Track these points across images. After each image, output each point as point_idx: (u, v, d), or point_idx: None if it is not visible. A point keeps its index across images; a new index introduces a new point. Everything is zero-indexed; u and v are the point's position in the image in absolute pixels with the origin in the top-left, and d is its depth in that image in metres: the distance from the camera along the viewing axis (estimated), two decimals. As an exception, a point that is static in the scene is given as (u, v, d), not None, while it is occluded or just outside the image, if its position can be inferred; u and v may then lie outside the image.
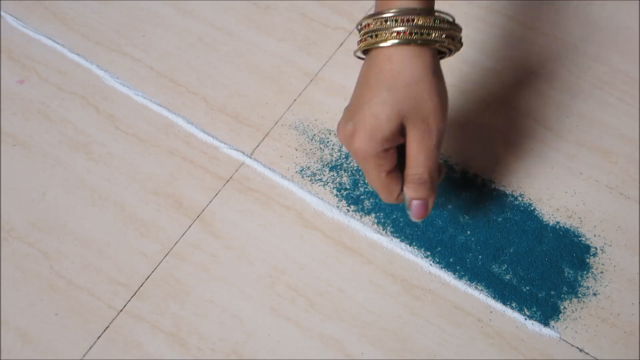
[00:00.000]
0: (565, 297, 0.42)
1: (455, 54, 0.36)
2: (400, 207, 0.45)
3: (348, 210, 0.45)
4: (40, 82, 0.50)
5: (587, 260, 0.43)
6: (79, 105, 0.49)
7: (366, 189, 0.46)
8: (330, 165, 0.47)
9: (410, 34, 0.32)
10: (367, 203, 0.45)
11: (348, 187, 0.46)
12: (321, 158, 0.47)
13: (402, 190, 0.35)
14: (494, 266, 0.43)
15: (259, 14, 0.53)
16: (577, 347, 0.40)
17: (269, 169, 0.47)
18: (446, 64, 0.51)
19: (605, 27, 0.53)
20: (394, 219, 0.45)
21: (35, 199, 0.45)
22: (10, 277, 0.43)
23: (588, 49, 0.52)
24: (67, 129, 0.48)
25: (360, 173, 0.46)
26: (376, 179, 0.34)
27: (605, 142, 0.48)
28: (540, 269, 0.43)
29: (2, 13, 0.53)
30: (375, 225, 0.45)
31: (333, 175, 0.46)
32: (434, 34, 0.32)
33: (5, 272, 0.43)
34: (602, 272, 0.43)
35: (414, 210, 0.35)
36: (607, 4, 0.53)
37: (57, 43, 0.52)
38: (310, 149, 0.48)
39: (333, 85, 0.50)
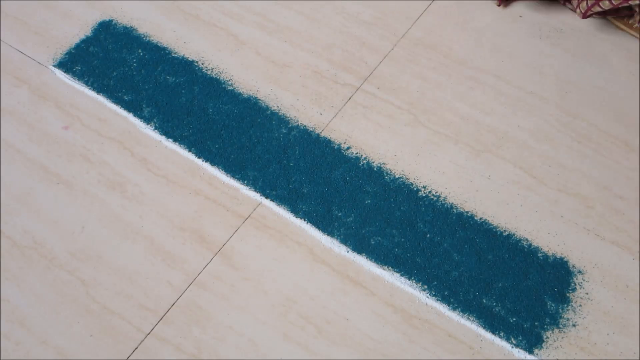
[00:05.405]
0: (548, 327, 0.46)
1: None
2: (401, 244, 0.50)
3: (353, 249, 0.50)
4: (82, 128, 0.57)
5: (568, 294, 0.48)
6: (116, 149, 0.55)
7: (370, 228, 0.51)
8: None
9: None
10: (371, 241, 0.50)
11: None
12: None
13: None
14: (484, 299, 0.48)
15: (276, 72, 0.60)
16: (560, 374, 0.45)
17: (283, 209, 0.52)
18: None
19: (583, 87, 0.59)
20: (395, 254, 0.50)
21: (76, 232, 0.51)
22: (51, 302, 0.48)
23: (568, 107, 0.58)
24: (105, 170, 0.54)
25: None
26: None
27: (583, 189, 0.53)
28: (526, 302, 0.47)
29: (52, 68, 0.60)
30: (377, 261, 0.50)
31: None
32: None
33: (47, 297, 0.48)
34: (580, 306, 0.47)
35: None
36: (583, 67, 0.60)
37: (98, 94, 0.59)
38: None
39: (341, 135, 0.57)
